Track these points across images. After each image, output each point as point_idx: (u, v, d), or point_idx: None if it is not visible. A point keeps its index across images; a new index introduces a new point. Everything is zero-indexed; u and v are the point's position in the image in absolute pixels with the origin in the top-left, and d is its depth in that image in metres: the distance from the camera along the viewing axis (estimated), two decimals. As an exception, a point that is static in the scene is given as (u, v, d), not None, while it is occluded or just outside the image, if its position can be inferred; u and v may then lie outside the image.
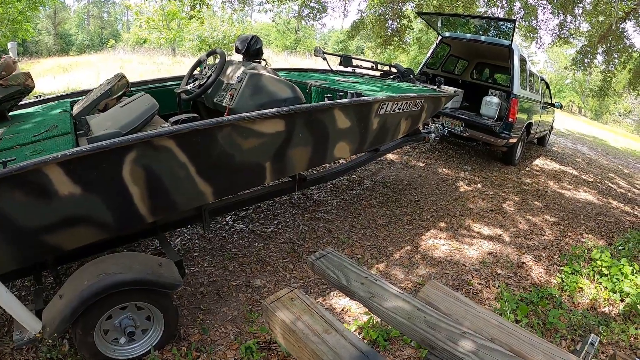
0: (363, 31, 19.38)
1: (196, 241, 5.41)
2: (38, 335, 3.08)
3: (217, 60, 4.77)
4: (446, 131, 8.67)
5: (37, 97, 5.39)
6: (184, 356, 3.64)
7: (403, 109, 5.65)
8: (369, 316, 4.15)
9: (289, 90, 4.68)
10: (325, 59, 7.64)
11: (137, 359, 3.56)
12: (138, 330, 3.54)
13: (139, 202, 3.46)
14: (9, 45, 4.40)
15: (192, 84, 4.95)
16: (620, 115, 57.56)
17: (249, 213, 6.15)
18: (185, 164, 3.57)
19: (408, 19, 18.62)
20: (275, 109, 4.02)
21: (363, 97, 4.93)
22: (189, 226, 5.76)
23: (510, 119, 9.49)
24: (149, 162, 3.39)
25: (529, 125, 10.85)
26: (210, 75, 4.76)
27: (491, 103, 10.31)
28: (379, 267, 5.10)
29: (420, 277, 4.90)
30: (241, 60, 5.53)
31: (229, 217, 6.02)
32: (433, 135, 7.91)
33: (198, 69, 5.26)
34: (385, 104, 5.22)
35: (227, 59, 5.05)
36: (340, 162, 6.53)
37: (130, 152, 3.26)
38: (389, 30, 18.89)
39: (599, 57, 18.11)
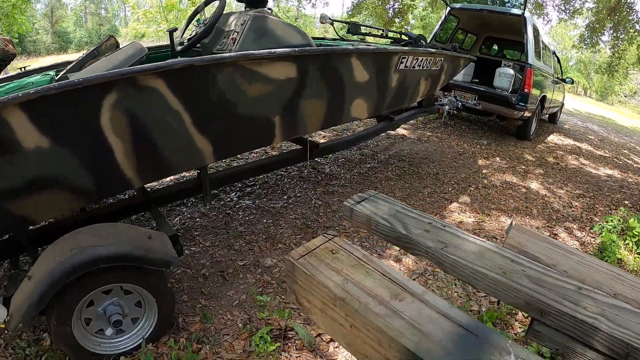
0: (366, 11, 18.55)
1: (197, 219, 4.73)
2: (2, 325, 2.41)
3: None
4: (460, 104, 8.01)
5: (20, 69, 4.70)
6: (183, 349, 2.97)
7: (423, 67, 4.98)
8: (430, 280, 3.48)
9: (299, 36, 3.96)
10: (332, 24, 6.93)
11: (127, 353, 2.89)
12: (126, 320, 2.86)
13: (122, 161, 2.78)
14: None
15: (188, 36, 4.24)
16: (625, 97, 56.71)
17: (255, 189, 5.46)
18: (178, 112, 2.88)
19: None
20: (285, 49, 3.33)
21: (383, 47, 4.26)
22: (188, 203, 5.08)
23: (525, 90, 8.78)
24: (134, 107, 2.70)
25: (543, 98, 10.14)
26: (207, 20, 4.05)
27: (505, 74, 9.56)
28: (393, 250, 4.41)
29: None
30: (243, 10, 4.81)
31: (233, 194, 5.33)
32: (447, 107, 7.29)
33: (195, 22, 4.54)
34: (405, 58, 4.54)
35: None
36: (355, 130, 5.84)
37: (109, 93, 2.57)
38: (390, 11, 18.12)
39: (607, 34, 17.44)
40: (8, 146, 2.39)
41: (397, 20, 18.52)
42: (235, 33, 3.81)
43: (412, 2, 18.13)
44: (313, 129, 3.98)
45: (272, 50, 3.22)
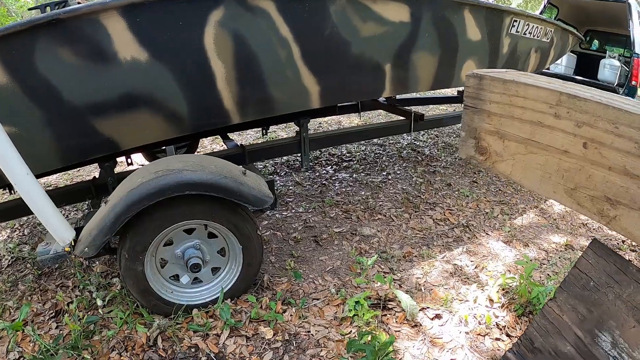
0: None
1: (291, 187, 4.24)
2: (67, 249, 2.00)
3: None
4: None
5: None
6: (266, 308, 2.45)
7: (534, 35, 4.23)
8: (512, 274, 2.77)
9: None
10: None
11: (202, 306, 2.41)
12: (206, 267, 2.39)
13: (223, 88, 2.33)
14: None
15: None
16: None
17: (352, 163, 4.89)
18: (287, 40, 2.40)
19: None
20: None
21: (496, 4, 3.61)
22: (282, 173, 4.62)
23: (634, 82, 7.48)
24: (241, 28, 2.26)
25: None
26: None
27: (611, 66, 8.22)
28: (514, 223, 3.65)
29: (567, 237, 3.41)
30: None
31: (329, 167, 4.79)
32: None
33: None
34: (517, 22, 3.84)
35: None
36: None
37: (216, 8, 2.13)
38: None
39: None
40: (103, 55, 2.02)
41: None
42: None
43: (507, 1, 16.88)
44: (423, 87, 3.36)
45: None
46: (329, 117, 6.12)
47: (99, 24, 1.97)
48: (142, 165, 3.97)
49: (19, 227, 3.57)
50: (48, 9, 2.92)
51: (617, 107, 0.99)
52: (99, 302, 2.37)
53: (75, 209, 3.90)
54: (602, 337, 1.23)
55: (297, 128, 3.38)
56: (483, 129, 1.25)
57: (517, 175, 1.22)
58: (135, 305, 2.38)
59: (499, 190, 4.36)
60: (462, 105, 1.30)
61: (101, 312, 2.36)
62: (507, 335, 2.37)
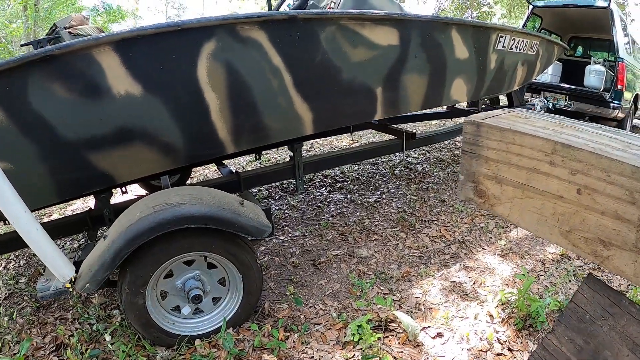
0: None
1: (286, 211, 4.26)
2: (67, 285, 2.01)
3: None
4: (551, 104, 7.14)
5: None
6: (268, 336, 2.45)
7: (520, 49, 4.34)
8: (511, 289, 2.80)
9: (397, 8, 3.48)
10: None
11: (204, 336, 2.40)
12: (207, 298, 2.39)
13: (217, 119, 2.36)
14: (84, 12, 3.66)
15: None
16: None
17: (346, 184, 4.92)
18: (279, 70, 2.45)
19: (489, 5, 16.92)
20: (388, 11, 2.84)
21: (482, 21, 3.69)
22: (277, 196, 4.64)
23: (619, 86, 7.56)
24: (233, 59, 2.30)
25: (637, 98, 8.75)
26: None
27: (596, 72, 8.32)
28: (509, 236, 3.69)
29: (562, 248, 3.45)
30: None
31: (323, 189, 4.83)
32: (538, 107, 6.61)
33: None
34: (503, 37, 3.93)
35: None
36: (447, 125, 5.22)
37: (208, 40, 2.18)
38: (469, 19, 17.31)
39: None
40: (97, 90, 2.05)
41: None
42: (333, 3, 3.36)
43: (490, 10, 17.20)
44: (414, 108, 3.42)
45: (375, 11, 2.76)
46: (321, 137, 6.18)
47: (92, 59, 2.00)
48: (138, 195, 3.98)
49: (15, 259, 3.56)
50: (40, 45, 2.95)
51: (609, 157, 1.06)
52: (107, 338, 2.36)
53: (70, 238, 3.88)
54: (598, 367, 1.28)
55: (289, 149, 3.42)
56: (481, 174, 1.31)
57: (515, 217, 1.28)
58: (137, 337, 2.37)
59: (493, 204, 4.39)
60: (460, 150, 1.36)
61: (109, 346, 2.34)
62: (509, 349, 2.38)
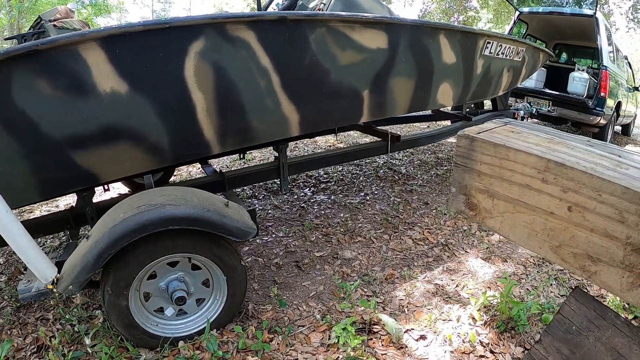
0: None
1: (270, 211, 4.24)
2: (50, 286, 1.97)
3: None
4: (534, 109, 7.23)
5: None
6: (252, 338, 2.43)
7: (506, 55, 4.40)
8: (493, 292, 2.83)
9: (386, 12, 3.49)
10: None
11: (188, 338, 2.38)
12: (191, 299, 2.37)
13: (203, 119, 2.34)
14: (70, 5, 3.60)
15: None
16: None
17: (330, 185, 4.93)
18: (267, 70, 2.43)
19: (475, 9, 17.08)
20: (378, 15, 2.85)
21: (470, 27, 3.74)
22: (260, 196, 4.62)
23: (602, 93, 7.70)
24: (221, 59, 2.28)
25: (619, 105, 8.90)
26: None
27: (580, 79, 8.45)
28: (491, 239, 3.73)
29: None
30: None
31: (307, 189, 4.82)
32: (522, 112, 6.67)
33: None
34: (490, 43, 3.99)
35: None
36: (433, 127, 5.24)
37: (196, 38, 2.16)
38: (454, 24, 17.44)
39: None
40: (82, 87, 2.01)
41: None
42: (322, 4, 3.35)
43: (477, 15, 17.37)
44: (400, 111, 3.43)
45: (365, 14, 2.77)
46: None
47: (78, 55, 1.96)
48: (120, 193, 3.93)
49: (-6, 258, 3.47)
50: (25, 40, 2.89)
51: (600, 177, 1.09)
52: (87, 341, 2.32)
53: (51, 236, 3.81)
54: (584, 377, 1.31)
55: (274, 150, 3.40)
56: (473, 187, 1.33)
57: (506, 231, 1.30)
58: (119, 338, 2.33)
59: (475, 206, 4.44)
60: (453, 162, 1.37)
61: (88, 350, 2.30)
62: (491, 352, 2.41)
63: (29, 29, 3.13)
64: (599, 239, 1.11)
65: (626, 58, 10.81)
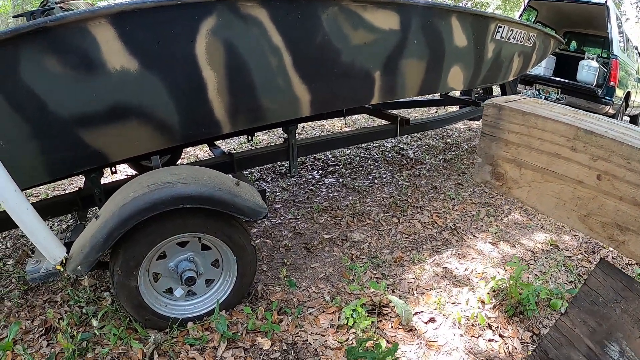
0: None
1: (278, 194, 4.22)
2: (58, 266, 1.95)
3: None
4: (543, 97, 7.08)
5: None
6: (261, 319, 2.42)
7: (517, 40, 4.30)
8: (502, 276, 2.81)
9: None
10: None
11: (197, 319, 2.36)
12: (200, 280, 2.35)
13: (214, 98, 2.30)
14: None
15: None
16: None
17: (338, 168, 4.89)
18: (279, 49, 2.39)
19: None
20: None
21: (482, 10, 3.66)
22: (268, 178, 4.59)
23: (612, 82, 7.59)
24: (233, 36, 2.23)
25: (628, 95, 8.80)
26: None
27: (590, 67, 8.32)
28: (500, 224, 3.69)
29: (552, 237, 3.46)
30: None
31: (315, 172, 4.78)
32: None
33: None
34: (501, 27, 3.90)
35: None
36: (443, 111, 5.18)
37: (208, 15, 2.10)
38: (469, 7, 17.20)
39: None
40: (92, 65, 1.97)
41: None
42: None
43: (485, 1, 17.11)
44: (411, 93, 3.37)
45: None
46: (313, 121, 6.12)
47: (87, 32, 1.92)
48: (128, 175, 3.90)
49: (1, 240, 3.47)
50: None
51: (630, 145, 1.04)
52: (95, 323, 2.30)
53: (58, 219, 3.80)
54: (611, 347, 1.27)
55: (283, 131, 3.37)
56: (500, 157, 1.29)
57: (533, 201, 1.27)
58: (128, 319, 2.32)
59: (484, 192, 4.40)
60: (480, 132, 1.33)
61: (96, 332, 2.29)
62: (500, 335, 2.39)
63: (39, 7, 3.07)
64: (627, 207, 1.08)
65: (636, 48, 10.64)
